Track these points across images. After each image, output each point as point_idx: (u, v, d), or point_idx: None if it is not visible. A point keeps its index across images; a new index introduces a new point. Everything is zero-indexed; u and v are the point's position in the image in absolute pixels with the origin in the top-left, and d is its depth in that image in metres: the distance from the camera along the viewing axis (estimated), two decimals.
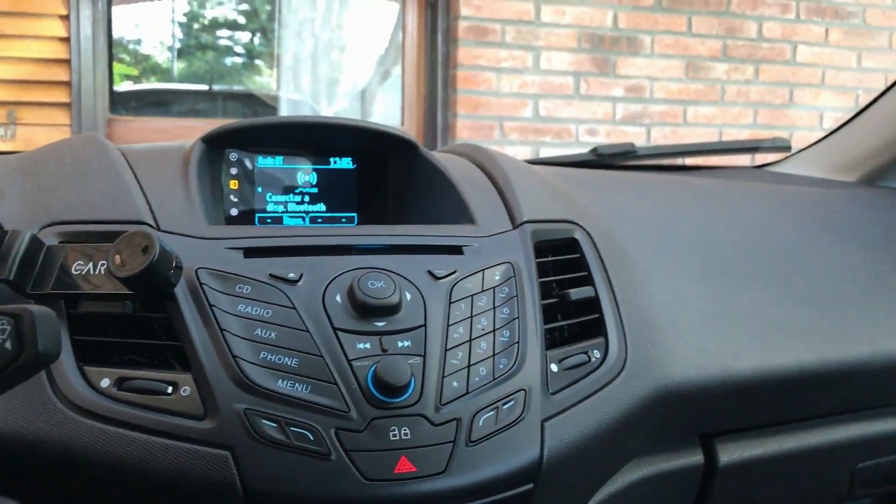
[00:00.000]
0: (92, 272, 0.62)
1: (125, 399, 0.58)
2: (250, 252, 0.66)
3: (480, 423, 0.60)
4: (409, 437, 0.58)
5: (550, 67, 2.83)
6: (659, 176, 1.12)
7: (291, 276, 0.64)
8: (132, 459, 0.56)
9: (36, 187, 0.72)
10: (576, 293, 0.72)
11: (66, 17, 2.59)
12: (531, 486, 0.62)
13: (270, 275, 0.64)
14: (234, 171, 0.86)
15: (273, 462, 0.56)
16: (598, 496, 0.73)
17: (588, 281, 0.75)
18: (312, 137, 0.88)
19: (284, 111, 3.81)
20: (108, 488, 0.57)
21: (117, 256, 0.58)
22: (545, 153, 2.80)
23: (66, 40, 2.60)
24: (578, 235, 0.79)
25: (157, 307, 0.62)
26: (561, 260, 0.77)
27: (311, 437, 0.56)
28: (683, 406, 0.75)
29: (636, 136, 2.95)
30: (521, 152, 2.73)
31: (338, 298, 0.64)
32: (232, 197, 0.86)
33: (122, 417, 0.57)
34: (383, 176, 0.91)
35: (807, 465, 0.86)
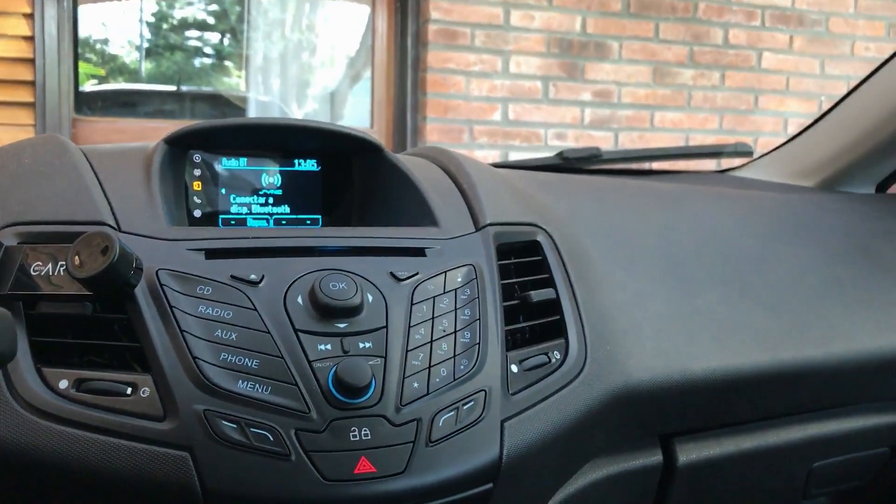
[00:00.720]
0: (52, 273, 0.62)
1: (84, 400, 0.57)
2: (212, 253, 0.66)
3: (440, 424, 0.61)
4: (369, 437, 0.58)
5: (520, 71, 2.85)
6: (623, 180, 1.14)
7: (253, 277, 0.64)
8: (91, 461, 0.56)
9: None
10: (537, 295, 0.73)
11: (30, 16, 2.56)
12: (490, 485, 0.62)
13: (232, 276, 0.64)
14: (197, 172, 0.86)
15: (232, 463, 0.56)
16: (559, 496, 0.74)
17: (549, 283, 0.76)
18: (277, 139, 0.88)
19: (253, 112, 3.79)
20: (68, 490, 0.57)
21: (76, 257, 0.58)
22: (514, 157, 2.82)
23: (31, 39, 2.57)
24: (541, 238, 0.80)
25: (116, 308, 0.62)
26: (523, 262, 0.77)
27: (271, 438, 0.57)
28: (643, 407, 0.76)
29: (604, 141, 2.98)
30: (491, 156, 2.74)
31: (299, 300, 0.64)
32: (195, 198, 0.86)
33: (80, 419, 0.57)
34: (348, 178, 0.91)
35: (764, 465, 0.88)
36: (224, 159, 0.87)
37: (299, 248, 0.69)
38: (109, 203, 0.69)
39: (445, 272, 0.70)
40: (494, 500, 0.63)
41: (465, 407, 0.62)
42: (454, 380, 0.63)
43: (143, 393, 0.58)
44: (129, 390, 0.58)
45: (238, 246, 0.68)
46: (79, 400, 0.57)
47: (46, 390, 0.57)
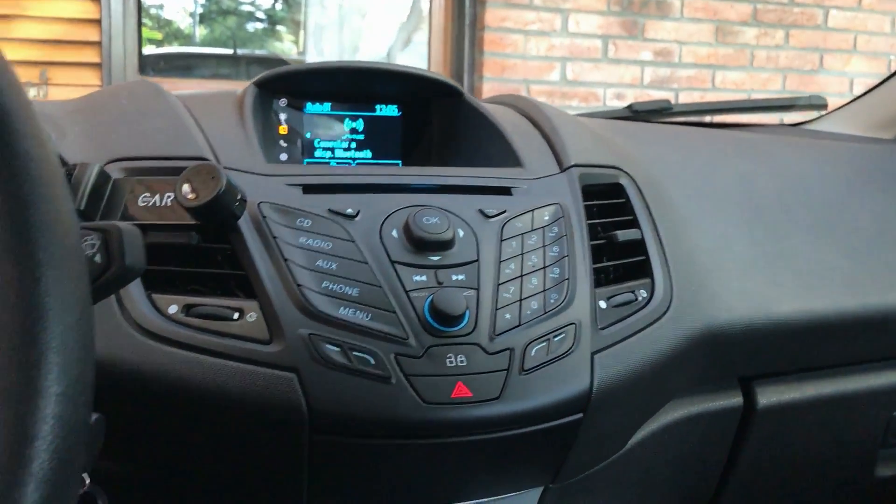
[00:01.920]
0: (158, 204, 0.65)
1: (193, 324, 0.60)
2: (309, 188, 0.68)
3: (532, 354, 0.62)
4: (464, 364, 0.60)
5: (578, 30, 2.82)
6: (697, 130, 1.13)
7: (349, 211, 0.66)
8: (201, 380, 0.58)
9: (97, 127, 0.74)
10: (623, 235, 0.74)
11: None
12: (580, 415, 0.64)
13: (329, 210, 0.66)
14: (283, 116, 0.88)
15: (336, 384, 0.58)
16: (640, 433, 0.75)
17: (633, 224, 0.76)
18: (360, 83, 0.89)
19: None
20: (179, 408, 0.60)
21: (187, 185, 0.60)
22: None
23: (97, 0, 2.62)
24: (623, 181, 0.80)
25: (220, 239, 0.64)
26: (606, 204, 0.78)
27: (372, 361, 0.59)
28: (725, 348, 0.77)
29: None
30: None
31: (394, 233, 0.66)
32: (281, 142, 0.88)
33: (190, 341, 0.59)
34: (427, 123, 0.92)
35: (844, 411, 0.88)
36: (309, 104, 0.89)
37: (391, 185, 0.71)
38: (208, 140, 0.71)
39: (533, 210, 0.71)
40: (582, 430, 0.65)
41: (556, 339, 0.63)
42: (545, 313, 0.64)
43: (250, 318, 0.60)
44: (235, 315, 0.60)
45: (334, 182, 0.69)
46: (188, 324, 0.60)
47: (157, 315, 0.60)
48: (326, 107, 0.89)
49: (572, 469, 0.68)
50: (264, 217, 0.64)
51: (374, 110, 0.91)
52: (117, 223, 0.47)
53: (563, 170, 0.77)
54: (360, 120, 0.90)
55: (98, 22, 2.62)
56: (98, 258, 0.46)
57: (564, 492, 0.71)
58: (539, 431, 0.62)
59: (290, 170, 0.71)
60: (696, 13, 2.97)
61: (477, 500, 0.67)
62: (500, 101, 0.98)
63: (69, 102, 0.83)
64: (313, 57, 4.10)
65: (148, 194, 0.65)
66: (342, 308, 0.60)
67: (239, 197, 0.62)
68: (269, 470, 0.62)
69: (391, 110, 0.91)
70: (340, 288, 0.61)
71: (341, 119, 0.90)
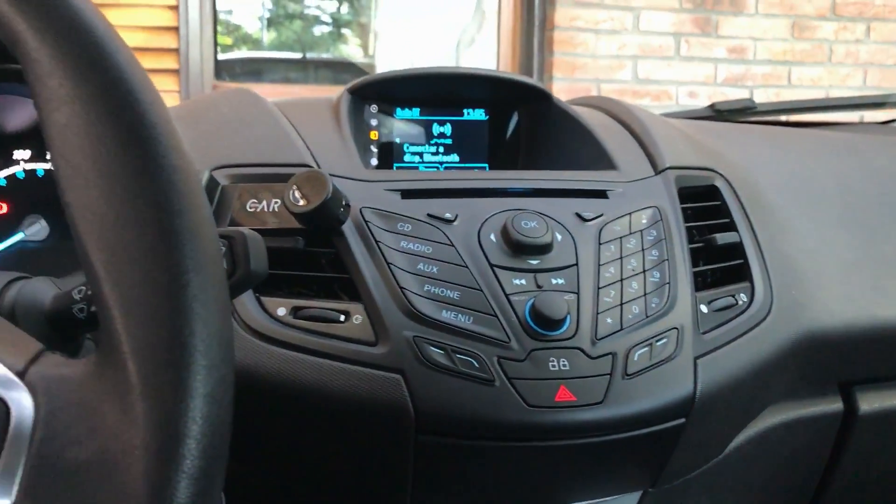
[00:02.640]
0: (266, 209, 0.67)
1: (301, 326, 0.62)
2: (407, 194, 0.69)
3: (635, 358, 0.62)
4: (567, 368, 0.60)
5: (650, 28, 2.78)
6: (786, 129, 1.10)
7: (448, 215, 0.67)
8: (311, 381, 0.60)
9: (201, 135, 0.76)
10: (721, 238, 0.73)
11: None
12: (683, 420, 0.63)
13: (428, 214, 0.67)
14: (374, 122, 0.89)
15: (441, 386, 0.59)
16: (739, 438, 0.74)
17: (731, 227, 0.76)
18: (448, 88, 0.90)
19: None
20: (289, 408, 0.61)
21: (297, 192, 0.62)
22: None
23: (175, 8, 2.69)
24: (718, 183, 0.79)
25: (324, 243, 0.65)
26: (702, 207, 0.77)
27: (476, 364, 0.59)
28: (826, 352, 0.75)
29: None
30: None
31: (492, 237, 0.66)
32: (372, 147, 0.90)
33: (298, 343, 0.61)
34: (514, 126, 0.93)
35: None
36: (399, 109, 0.90)
37: (487, 190, 0.72)
38: (308, 147, 0.73)
39: (630, 214, 0.70)
40: (684, 435, 0.64)
41: (658, 343, 0.63)
42: (646, 317, 0.64)
43: (356, 320, 0.61)
44: (342, 317, 0.62)
45: (431, 187, 0.70)
46: (296, 326, 0.62)
47: (266, 317, 0.62)
48: (416, 112, 0.90)
49: (672, 474, 0.68)
50: (366, 222, 0.65)
51: (462, 114, 0.92)
52: (241, 230, 0.49)
53: (657, 172, 0.77)
54: (449, 124, 0.91)
55: (176, 30, 2.70)
56: (224, 263, 0.48)
57: (662, 496, 0.70)
58: (641, 436, 0.62)
59: (388, 175, 0.72)
60: (772, 9, 2.90)
61: (576, 503, 0.67)
62: (586, 103, 0.98)
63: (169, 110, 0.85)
64: (382, 60, 4.13)
65: (255, 200, 0.67)
66: (444, 311, 0.61)
67: (344, 202, 0.64)
68: (374, 469, 0.63)
69: (479, 114, 0.92)
70: (442, 291, 0.62)
71: (430, 124, 0.91)
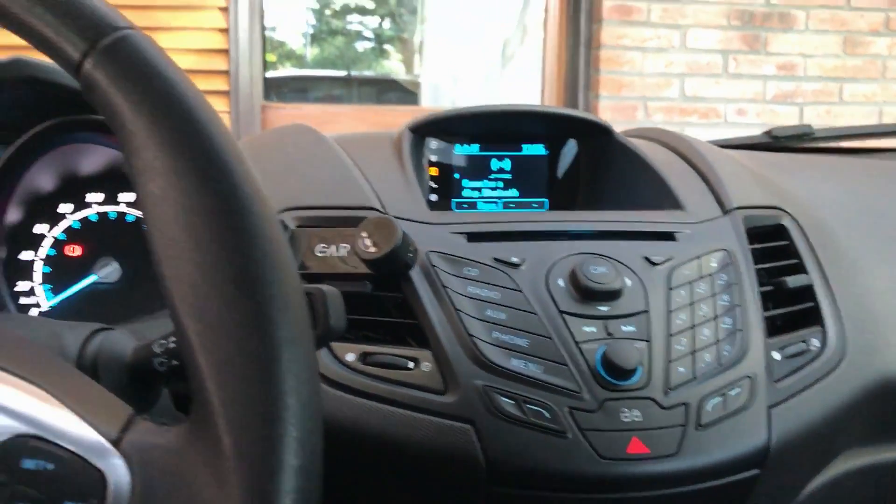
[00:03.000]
0: (335, 254, 0.67)
1: (369, 372, 0.62)
2: (473, 237, 0.69)
3: (709, 408, 0.61)
4: (640, 419, 0.59)
5: (697, 45, 2.76)
6: (850, 159, 1.08)
7: (514, 259, 0.67)
8: (380, 429, 0.60)
9: (267, 175, 0.77)
10: (793, 281, 0.71)
11: (225, 9, 2.73)
12: (757, 471, 0.62)
13: (495, 258, 0.67)
14: (433, 158, 0.90)
15: (512, 437, 0.58)
16: (812, 485, 0.72)
17: (800, 269, 0.74)
18: (506, 124, 0.90)
19: (425, 96, 3.87)
20: (357, 455, 0.61)
21: (367, 239, 0.62)
22: (691, 134, 2.73)
23: (225, 31, 2.74)
24: (786, 222, 0.78)
25: (391, 287, 0.66)
26: (769, 247, 0.76)
27: (547, 415, 0.59)
28: None
29: (788, 116, 2.83)
30: None
31: (560, 282, 0.66)
32: (431, 183, 0.90)
33: (367, 389, 0.61)
34: (574, 161, 0.92)
35: None
36: (458, 145, 0.90)
37: (553, 232, 0.71)
38: (373, 189, 0.73)
39: (700, 257, 0.69)
40: (758, 485, 0.63)
41: (731, 392, 0.62)
42: (719, 365, 0.63)
43: (425, 367, 0.61)
44: (411, 364, 0.62)
45: (497, 230, 0.70)
46: (365, 372, 0.62)
47: (336, 362, 0.62)
48: (475, 147, 0.90)
49: None
50: (433, 266, 0.65)
51: (521, 149, 0.91)
52: (321, 286, 0.49)
53: (725, 212, 0.76)
54: (508, 159, 0.91)
55: (226, 52, 2.74)
56: None
57: None
58: (715, 487, 0.61)
59: (453, 217, 0.72)
60: (823, 24, 2.85)
61: None
62: (644, 136, 0.97)
63: None
64: (427, 78, 4.15)
65: (323, 245, 0.67)
66: (514, 359, 0.61)
67: (412, 248, 0.64)
68: None
69: (538, 149, 0.92)
70: (511, 339, 0.62)
71: (489, 159, 0.91)
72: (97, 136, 0.67)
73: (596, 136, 0.89)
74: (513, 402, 0.59)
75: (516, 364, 0.61)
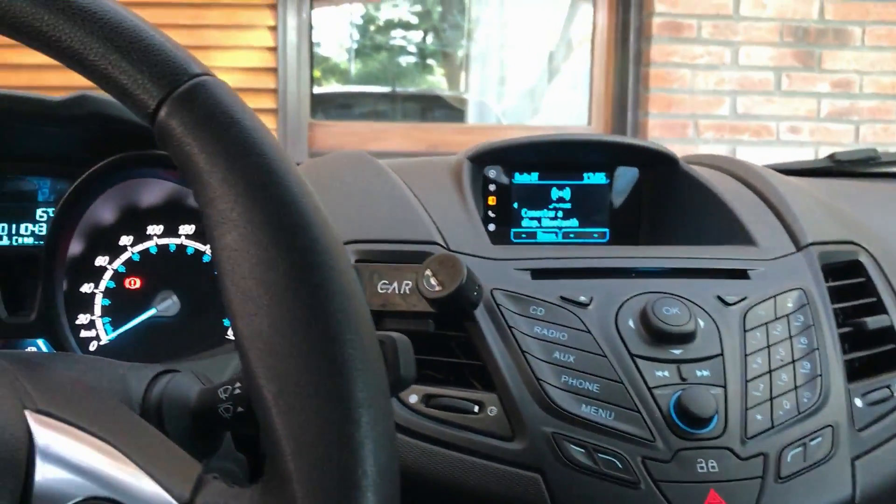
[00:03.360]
0: (397, 291, 0.65)
1: (433, 416, 0.60)
2: (538, 273, 0.67)
3: (788, 460, 0.58)
4: (716, 470, 0.57)
5: (749, 63, 2.70)
6: None
7: (582, 299, 0.65)
8: (445, 476, 0.58)
9: (326, 205, 0.76)
10: (873, 322, 0.68)
11: (274, 28, 2.75)
12: None
13: (561, 297, 0.65)
14: (492, 187, 0.88)
15: (582, 487, 0.56)
16: None
17: (880, 307, 0.71)
18: (567, 153, 0.88)
19: (471, 113, 3.87)
20: (420, 501, 0.60)
21: (432, 278, 0.60)
22: (742, 152, 2.67)
23: (274, 50, 2.76)
24: (863, 258, 0.74)
25: (455, 326, 0.64)
26: (846, 285, 0.72)
27: (619, 465, 0.56)
28: None
29: (843, 135, 2.76)
30: (717, 151, 2.62)
31: (630, 323, 0.63)
32: (490, 213, 0.88)
33: (431, 433, 0.59)
34: (637, 191, 0.90)
35: None
36: (517, 174, 0.88)
37: (621, 269, 0.69)
38: (434, 222, 0.72)
39: (775, 297, 0.66)
40: None
41: (812, 443, 0.59)
42: (798, 413, 0.60)
43: (491, 412, 0.59)
44: (476, 408, 0.60)
45: (562, 266, 0.68)
46: (429, 415, 0.60)
47: (399, 404, 0.61)
48: (534, 176, 0.89)
49: None
50: (498, 305, 0.64)
51: (582, 178, 0.89)
52: (391, 334, 0.47)
53: (799, 248, 0.72)
54: (568, 189, 0.89)
55: (275, 70, 2.77)
56: None
57: None
58: None
59: (516, 252, 0.70)
60: (880, 41, 2.78)
61: None
62: (708, 164, 0.94)
63: None
64: (474, 94, 4.14)
65: (385, 282, 0.66)
66: (584, 405, 0.59)
67: (477, 286, 0.62)
68: None
69: (599, 178, 0.89)
70: (580, 383, 0.60)
71: (549, 188, 0.89)
72: (159, 171, 0.67)
73: (660, 165, 0.87)
74: (583, 450, 0.57)
75: (586, 410, 0.58)
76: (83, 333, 0.72)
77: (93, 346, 0.72)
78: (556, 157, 0.88)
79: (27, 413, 0.37)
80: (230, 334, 0.73)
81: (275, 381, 0.35)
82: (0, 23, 0.38)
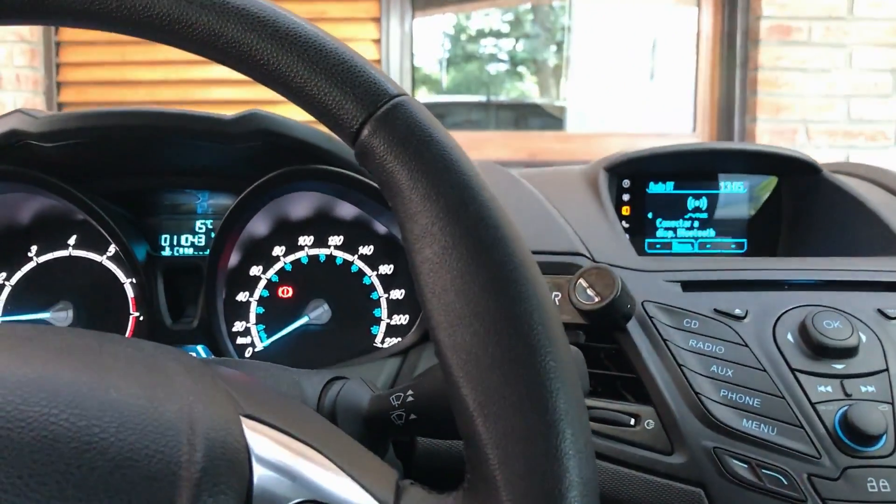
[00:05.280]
0: None
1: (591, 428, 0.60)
2: (689, 286, 0.67)
3: None
4: (888, 490, 0.55)
5: (864, 65, 2.60)
6: None
7: (738, 312, 0.64)
8: (602, 488, 0.58)
9: None
10: None
11: (377, 41, 2.81)
12: None
13: (715, 310, 0.64)
14: (626, 197, 0.87)
15: (746, 503, 0.55)
16: None
17: None
18: (704, 162, 0.87)
19: (570, 121, 3.84)
20: None
21: (589, 290, 0.61)
22: (856, 157, 2.57)
23: (378, 62, 2.82)
24: None
25: (604, 338, 0.64)
26: None
27: (785, 482, 0.55)
28: None
29: None
30: (828, 157, 2.53)
31: (789, 337, 0.62)
32: (624, 222, 0.88)
33: None
34: (776, 200, 0.88)
35: None
36: (652, 183, 0.88)
37: (775, 282, 0.67)
38: (577, 233, 0.72)
39: None
40: None
41: None
42: None
43: (648, 425, 0.59)
44: (632, 421, 0.60)
45: (714, 278, 0.67)
46: None
47: None
48: (669, 185, 0.88)
49: None
50: (650, 317, 0.63)
51: (719, 188, 0.88)
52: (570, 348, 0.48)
53: None
54: (704, 198, 0.88)
55: None
56: None
57: None
58: None
59: (664, 264, 0.70)
60: None
61: None
62: (850, 172, 0.91)
63: None
64: (573, 102, 4.11)
65: None
66: (745, 420, 0.58)
67: (631, 298, 0.62)
68: None
69: (737, 187, 0.88)
70: (740, 397, 0.59)
71: (685, 198, 0.88)
72: (315, 184, 0.69)
73: (801, 173, 0.85)
74: (746, 465, 0.56)
75: (747, 425, 0.57)
76: (239, 340, 0.75)
77: (248, 353, 0.75)
78: (693, 166, 0.87)
79: (241, 418, 0.39)
80: (378, 342, 0.75)
81: (479, 391, 0.36)
82: (213, 50, 0.40)
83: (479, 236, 0.38)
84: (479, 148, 2.89)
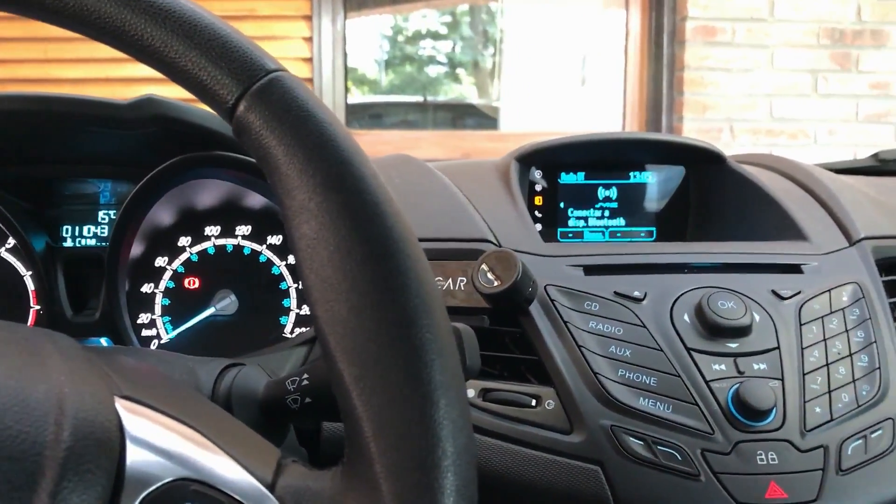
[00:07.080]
0: (452, 288, 0.66)
1: (491, 409, 0.61)
2: (591, 269, 0.68)
3: (849, 452, 0.58)
4: (776, 462, 0.57)
5: (785, 66, 2.68)
6: None
7: (636, 294, 0.65)
8: (504, 469, 0.59)
9: None
10: None
11: (309, 39, 2.79)
12: None
13: (615, 292, 0.65)
14: (538, 187, 0.89)
15: (642, 479, 0.56)
16: None
17: None
18: (614, 152, 0.89)
19: (503, 121, 3.87)
20: (481, 495, 0.60)
21: (489, 273, 0.61)
22: (780, 155, 2.65)
23: (309, 60, 2.80)
24: None
25: (509, 322, 0.64)
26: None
27: (679, 457, 0.57)
28: None
29: (882, 137, 2.72)
30: None
31: (686, 318, 0.63)
32: (536, 213, 0.89)
33: (489, 427, 0.60)
34: (683, 189, 0.90)
35: None
36: (563, 174, 0.89)
37: (673, 265, 0.69)
38: (485, 221, 0.73)
39: (829, 290, 0.66)
40: None
41: (873, 435, 0.59)
42: (857, 406, 0.60)
43: (548, 405, 0.60)
44: (533, 402, 0.60)
45: (615, 262, 0.69)
46: (486, 409, 0.61)
47: None
48: (580, 176, 0.89)
49: None
50: (552, 300, 0.64)
51: (628, 178, 0.89)
52: (457, 325, 0.48)
53: (852, 243, 0.72)
54: (614, 188, 0.89)
55: (310, 81, 2.80)
56: None
57: None
58: None
59: (569, 249, 0.71)
60: None
61: None
62: (755, 162, 0.94)
63: None
64: (507, 103, 4.15)
65: (440, 278, 0.67)
66: (641, 398, 0.59)
67: (532, 281, 0.63)
68: None
69: (645, 177, 0.90)
70: (637, 377, 0.60)
71: (595, 188, 0.89)
72: (218, 171, 0.69)
73: (707, 163, 0.87)
74: (642, 442, 0.57)
75: (644, 403, 0.59)
76: (144, 332, 0.74)
77: (153, 345, 0.73)
78: (603, 156, 0.88)
79: (115, 398, 0.38)
80: (287, 332, 0.74)
81: (355, 365, 0.36)
82: (85, 24, 0.39)
83: (356, 211, 0.38)
84: (414, 147, 2.89)
